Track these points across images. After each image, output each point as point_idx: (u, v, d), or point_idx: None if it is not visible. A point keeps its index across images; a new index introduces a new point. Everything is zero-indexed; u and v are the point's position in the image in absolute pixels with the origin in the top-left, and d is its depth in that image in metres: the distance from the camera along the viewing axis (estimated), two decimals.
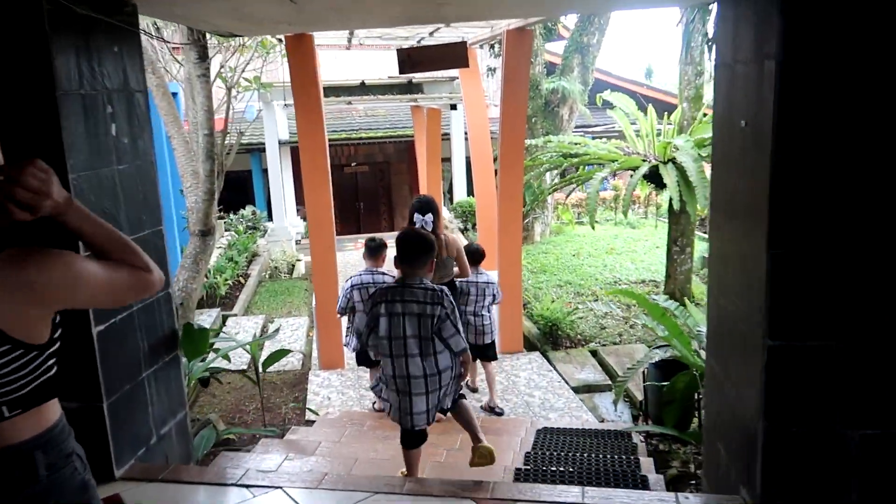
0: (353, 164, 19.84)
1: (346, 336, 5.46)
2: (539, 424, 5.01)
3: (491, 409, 5.39)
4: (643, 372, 5.36)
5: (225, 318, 8.55)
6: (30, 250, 1.45)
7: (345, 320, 5.50)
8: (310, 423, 5.42)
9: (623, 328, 7.62)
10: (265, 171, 15.21)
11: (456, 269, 4.88)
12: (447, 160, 16.60)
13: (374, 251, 5.20)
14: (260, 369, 4.62)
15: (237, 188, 18.34)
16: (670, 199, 8.02)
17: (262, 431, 4.31)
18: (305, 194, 6.16)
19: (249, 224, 13.23)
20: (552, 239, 12.36)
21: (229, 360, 4.69)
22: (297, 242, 13.47)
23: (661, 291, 8.55)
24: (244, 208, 14.20)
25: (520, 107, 6.27)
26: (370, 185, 20.13)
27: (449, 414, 3.53)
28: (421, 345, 3.17)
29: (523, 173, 6.52)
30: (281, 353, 4.67)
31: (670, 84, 34.11)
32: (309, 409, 5.47)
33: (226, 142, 12.31)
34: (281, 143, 13.87)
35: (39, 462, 1.49)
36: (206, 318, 8.12)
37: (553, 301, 8.42)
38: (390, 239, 4.98)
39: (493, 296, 5.41)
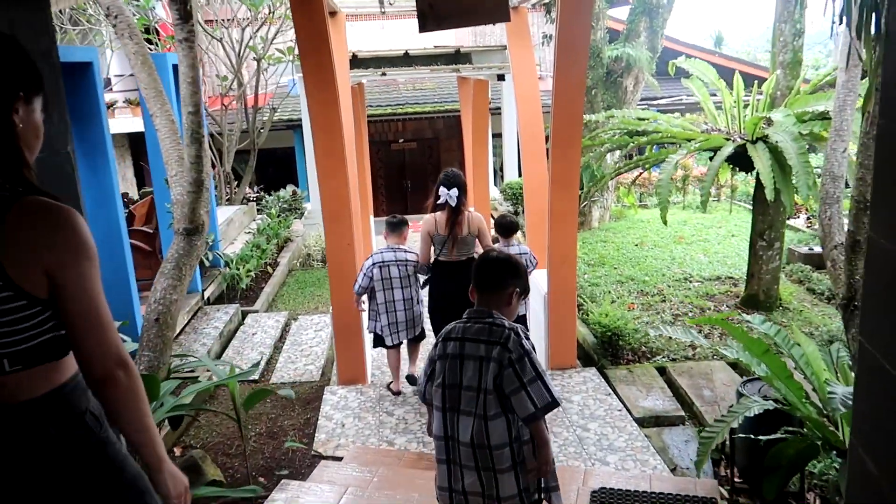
0: (400, 141, 18.95)
1: (369, 320, 5.35)
2: (594, 477, 3.98)
3: None
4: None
5: (245, 315, 7.75)
6: (66, 210, 1.44)
7: (364, 316, 5.42)
8: (317, 458, 4.55)
9: (696, 337, 6.45)
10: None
11: (478, 248, 5.03)
12: (498, 136, 15.52)
13: (396, 227, 5.20)
14: (241, 411, 3.70)
15: (281, 166, 17.67)
16: (756, 185, 6.78)
17: (236, 493, 3.41)
18: (319, 183, 5.22)
19: (286, 205, 12.42)
20: (612, 225, 11.15)
21: (212, 392, 3.80)
22: None
23: (741, 292, 7.33)
24: (286, 187, 13.42)
25: (577, 75, 5.13)
26: (418, 162, 19.22)
27: None
28: (477, 400, 2.32)
29: (580, 154, 5.41)
30: (262, 394, 3.75)
31: (742, 52, 31.97)
32: (315, 451, 4.58)
33: (258, 118, 11.50)
34: None
35: (49, 421, 1.46)
36: (221, 316, 7.34)
37: (613, 301, 7.31)
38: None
39: (528, 264, 5.30)
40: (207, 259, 8.14)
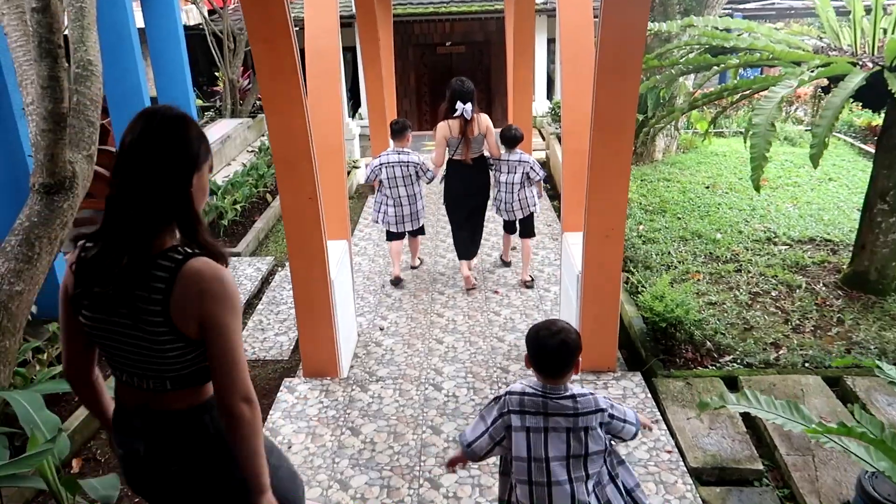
0: (447, 44, 17.03)
1: (374, 211, 5.91)
2: None
3: (524, 284, 5.83)
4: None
5: None
6: (216, 270, 1.69)
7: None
8: None
9: (782, 329, 4.88)
10: None
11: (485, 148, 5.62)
12: (554, 41, 13.58)
13: (399, 133, 5.64)
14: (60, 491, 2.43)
15: None
16: (884, 127, 4.99)
17: None
18: (266, 117, 3.74)
19: None
20: (679, 158, 9.32)
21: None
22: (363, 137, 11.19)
23: (843, 264, 5.65)
24: None
25: None
26: (467, 67, 17.27)
27: None
28: (569, 468, 2.34)
29: (638, 87, 3.74)
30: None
31: None
32: None
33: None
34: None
35: (208, 423, 1.81)
36: None
37: (675, 268, 5.74)
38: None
39: (526, 173, 5.60)
40: None
